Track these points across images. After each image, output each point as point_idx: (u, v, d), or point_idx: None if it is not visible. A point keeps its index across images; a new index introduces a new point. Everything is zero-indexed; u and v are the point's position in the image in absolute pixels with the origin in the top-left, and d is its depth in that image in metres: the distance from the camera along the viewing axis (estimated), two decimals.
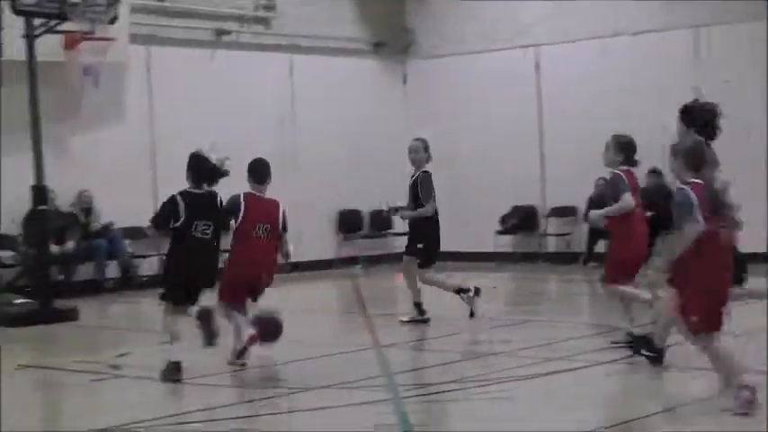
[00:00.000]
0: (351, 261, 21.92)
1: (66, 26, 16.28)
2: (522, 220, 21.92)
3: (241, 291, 10.98)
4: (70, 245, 17.94)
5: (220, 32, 21.12)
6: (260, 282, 10.95)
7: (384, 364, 10.95)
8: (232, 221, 10.84)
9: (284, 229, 11.02)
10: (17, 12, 15.29)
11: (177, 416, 9.27)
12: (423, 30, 23.68)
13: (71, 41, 17.37)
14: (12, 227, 17.57)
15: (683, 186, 8.21)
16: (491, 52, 22.19)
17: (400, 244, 23.07)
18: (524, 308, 15.97)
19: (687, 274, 8.24)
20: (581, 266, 19.99)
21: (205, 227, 10.45)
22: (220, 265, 10.82)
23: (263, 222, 10.85)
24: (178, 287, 10.59)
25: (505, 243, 21.99)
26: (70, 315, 15.20)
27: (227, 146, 19.55)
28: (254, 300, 11.16)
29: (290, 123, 21.69)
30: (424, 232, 13.75)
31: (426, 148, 13.85)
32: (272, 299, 14.38)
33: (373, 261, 22.21)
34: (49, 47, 16.49)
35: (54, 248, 16.79)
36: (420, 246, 13.75)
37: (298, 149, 21.40)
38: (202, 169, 10.61)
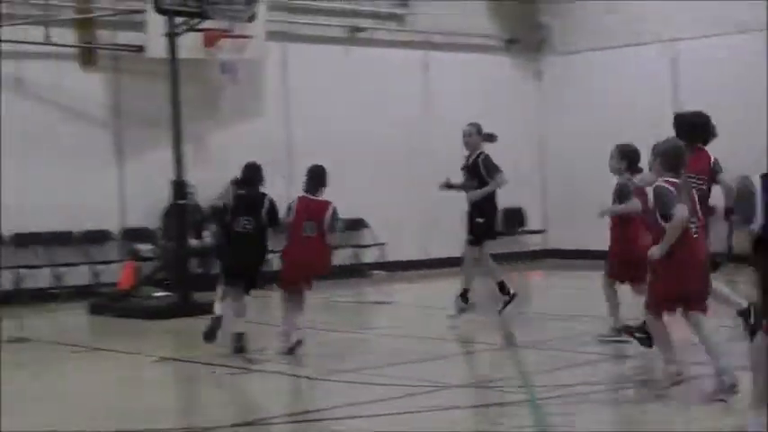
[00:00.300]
0: None
1: (206, 24, 16.58)
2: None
3: (294, 280, 12.02)
4: (208, 239, 18.23)
5: (355, 29, 21.28)
6: (307, 272, 12.06)
7: (520, 363, 10.94)
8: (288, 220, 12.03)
9: (331, 228, 11.95)
10: (160, 11, 15.58)
11: (313, 412, 9.39)
12: (557, 26, 23.54)
13: (211, 39, 17.69)
14: (151, 220, 17.99)
15: (662, 183, 8.98)
16: (626, 47, 21.92)
17: (534, 242, 23.25)
18: None
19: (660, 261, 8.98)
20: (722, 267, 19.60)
21: (246, 222, 12.05)
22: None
23: (309, 220, 11.85)
24: (225, 270, 12.44)
25: None
26: (208, 308, 15.34)
27: (363, 141, 20.04)
28: (308, 288, 12.12)
29: (423, 119, 21.75)
30: (484, 209, 14.23)
31: (479, 132, 14.33)
32: (407, 295, 14.55)
33: (506, 259, 22.13)
34: (189, 44, 16.80)
35: (193, 242, 17.07)
36: (480, 220, 14.18)
37: (432, 146, 21.46)
38: (248, 175, 12.29)
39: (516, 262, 21.87)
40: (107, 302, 15.98)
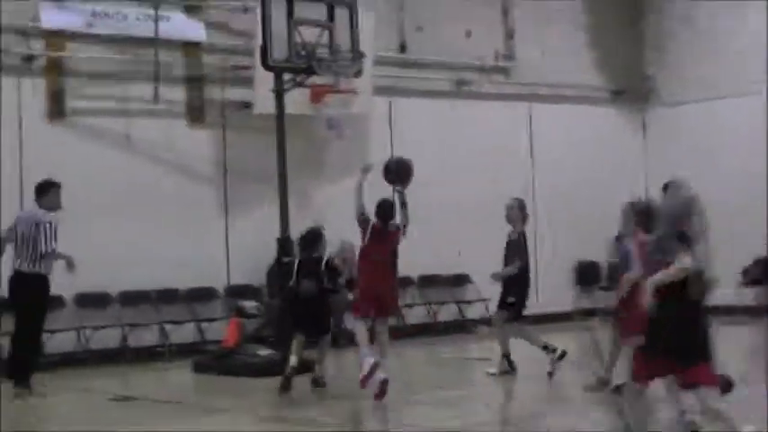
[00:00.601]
0: (588, 314, 21.58)
1: (313, 80, 16.60)
2: (764, 273, 21.31)
3: (368, 305, 13.01)
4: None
5: (460, 83, 21.26)
6: (382, 298, 13.05)
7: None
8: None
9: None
10: (267, 67, 15.66)
11: None
12: (662, 76, 23.34)
13: (317, 95, 17.71)
14: (256, 277, 18.03)
15: (626, 243, 10.22)
16: (733, 98, 21.67)
17: None
18: None
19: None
20: None
21: (308, 283, 13.44)
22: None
23: (380, 245, 12.99)
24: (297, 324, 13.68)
25: (748, 295, 21.35)
26: (311, 367, 15.37)
27: (467, 194, 19.97)
28: (384, 314, 13.20)
29: (527, 172, 21.66)
30: (515, 288, 14.44)
31: (521, 208, 14.61)
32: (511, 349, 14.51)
33: (611, 314, 21.84)
34: (296, 100, 16.84)
35: None
36: (511, 300, 14.41)
37: (536, 198, 21.30)
38: (307, 240, 13.77)
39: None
40: (211, 360, 16.00)
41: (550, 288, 21.06)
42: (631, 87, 23.50)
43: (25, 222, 13.70)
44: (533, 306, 20.57)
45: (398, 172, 13.23)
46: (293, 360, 13.41)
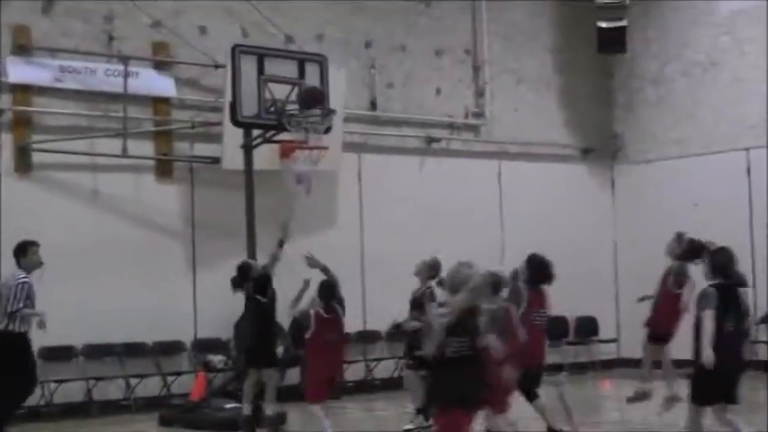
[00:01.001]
0: (556, 368, 21.58)
1: (283, 135, 16.67)
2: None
3: (322, 390, 13.61)
4: (279, 350, 18.14)
5: (430, 140, 21.36)
6: (333, 381, 13.89)
7: None
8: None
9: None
10: (237, 123, 15.73)
11: None
12: (630, 135, 23.53)
13: (286, 150, 17.70)
14: (223, 331, 17.99)
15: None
16: (700, 156, 21.87)
17: (607, 351, 22.97)
18: None
19: None
20: None
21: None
22: None
23: (329, 331, 13.49)
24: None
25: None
26: (278, 420, 15.35)
27: (435, 251, 20.04)
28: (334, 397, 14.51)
29: (498, 230, 21.71)
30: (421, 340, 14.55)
31: (431, 267, 14.80)
32: None
33: (579, 368, 21.94)
34: (264, 156, 16.89)
35: None
36: (419, 353, 14.31)
37: (507, 257, 21.31)
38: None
39: (588, 371, 21.69)
40: (178, 414, 15.94)
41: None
42: (600, 145, 23.66)
43: (5, 284, 13.82)
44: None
45: (311, 97, 14.81)
46: (246, 408, 14.26)
